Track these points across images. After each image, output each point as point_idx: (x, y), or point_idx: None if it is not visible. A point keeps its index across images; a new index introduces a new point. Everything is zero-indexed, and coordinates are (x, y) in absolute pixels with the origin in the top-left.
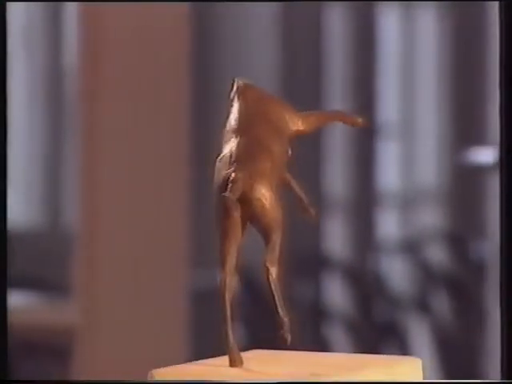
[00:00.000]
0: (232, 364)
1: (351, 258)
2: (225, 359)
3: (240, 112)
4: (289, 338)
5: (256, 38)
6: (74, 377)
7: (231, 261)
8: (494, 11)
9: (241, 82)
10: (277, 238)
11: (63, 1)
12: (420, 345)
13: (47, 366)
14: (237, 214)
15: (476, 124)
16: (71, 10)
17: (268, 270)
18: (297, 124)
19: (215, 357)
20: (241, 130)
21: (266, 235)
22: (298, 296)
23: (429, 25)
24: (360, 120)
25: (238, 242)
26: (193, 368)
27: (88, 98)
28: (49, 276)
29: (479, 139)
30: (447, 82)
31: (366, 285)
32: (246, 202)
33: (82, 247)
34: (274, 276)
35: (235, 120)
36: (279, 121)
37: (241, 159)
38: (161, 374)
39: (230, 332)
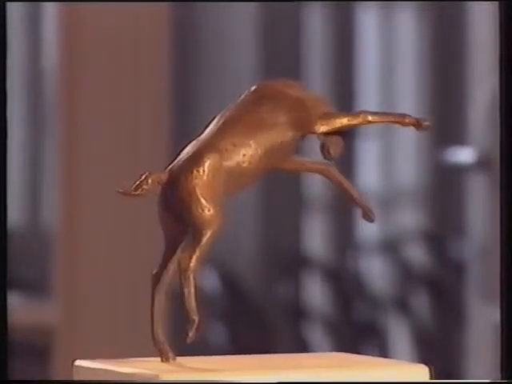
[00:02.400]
0: (162, 359)
1: (331, 257)
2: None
3: (227, 111)
4: (190, 336)
5: (236, 37)
6: (54, 376)
7: (164, 256)
8: (472, 11)
9: (261, 82)
10: (202, 238)
11: (60, 1)
12: (399, 344)
13: (27, 365)
14: (161, 211)
15: (455, 124)
16: (50, 10)
17: (180, 265)
18: (312, 126)
19: (194, 355)
20: (212, 130)
21: (192, 233)
22: (278, 295)
23: (408, 24)
24: (426, 122)
25: (168, 237)
26: (116, 363)
27: (67, 97)
28: (28, 275)
29: (458, 139)
30: (426, 82)
31: (345, 284)
32: (174, 199)
33: (62, 247)
34: (187, 273)
35: (217, 119)
36: (273, 122)
37: (185, 157)
38: (81, 366)
39: (156, 327)
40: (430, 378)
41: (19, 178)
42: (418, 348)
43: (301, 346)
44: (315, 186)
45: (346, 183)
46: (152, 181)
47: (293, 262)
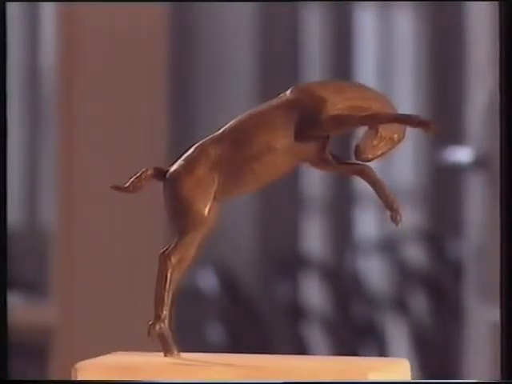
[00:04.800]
0: (165, 353)
1: (329, 257)
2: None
3: (249, 111)
4: (152, 330)
5: (234, 37)
6: (53, 376)
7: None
8: (472, 11)
9: (305, 82)
10: (183, 237)
11: (59, 1)
12: (398, 344)
13: (25, 365)
14: (164, 208)
15: (453, 123)
16: (49, 10)
17: (159, 261)
18: (318, 127)
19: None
20: (220, 130)
21: (177, 231)
22: (276, 295)
23: (406, 24)
24: (433, 125)
25: (171, 231)
26: (118, 358)
27: (65, 97)
28: (26, 275)
29: (456, 139)
30: (425, 82)
31: (344, 284)
32: (166, 197)
33: (61, 247)
34: (165, 270)
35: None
36: (280, 122)
37: (184, 156)
38: (83, 367)
39: (161, 321)
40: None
41: (17, 177)
42: (417, 348)
43: (299, 345)
44: (314, 185)
45: (380, 185)
46: (146, 177)
47: (291, 262)
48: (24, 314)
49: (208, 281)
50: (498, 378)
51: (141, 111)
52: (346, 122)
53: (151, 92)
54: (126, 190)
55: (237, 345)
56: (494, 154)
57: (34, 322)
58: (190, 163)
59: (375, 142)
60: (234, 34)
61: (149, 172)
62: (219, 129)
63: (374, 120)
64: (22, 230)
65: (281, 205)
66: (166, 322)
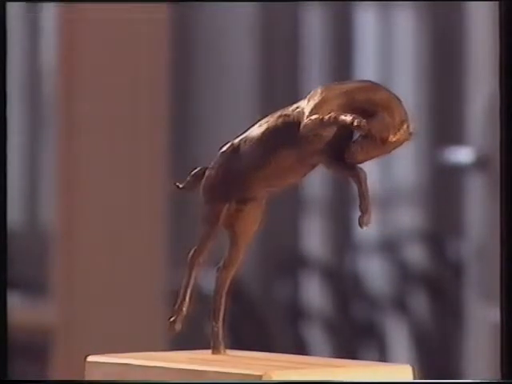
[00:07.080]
0: (213, 351)
1: (329, 257)
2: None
3: (268, 116)
4: (174, 327)
5: (234, 37)
6: (53, 376)
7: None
8: (472, 11)
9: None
10: (201, 233)
11: (61, 1)
12: (398, 344)
13: (25, 365)
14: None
15: (454, 123)
16: (49, 10)
17: (188, 256)
18: (301, 128)
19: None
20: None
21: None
22: (276, 295)
23: (407, 25)
24: (359, 122)
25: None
26: (128, 356)
27: (65, 97)
28: (27, 275)
29: (457, 139)
30: (425, 82)
31: (344, 285)
32: None
33: (61, 246)
34: (190, 265)
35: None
36: (282, 122)
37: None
38: (94, 360)
39: (216, 319)
40: (415, 377)
41: (17, 177)
42: (417, 348)
43: (299, 345)
44: (314, 186)
45: (363, 189)
46: (197, 176)
47: (291, 262)
48: (24, 314)
49: (208, 280)
50: (498, 378)
51: (141, 112)
52: (318, 124)
53: (152, 93)
54: (182, 189)
55: (237, 344)
56: (494, 153)
57: (34, 322)
58: (212, 163)
59: (364, 144)
60: (235, 34)
61: (199, 171)
62: (243, 132)
63: (330, 121)
64: (22, 230)
65: (281, 205)
66: (220, 322)
